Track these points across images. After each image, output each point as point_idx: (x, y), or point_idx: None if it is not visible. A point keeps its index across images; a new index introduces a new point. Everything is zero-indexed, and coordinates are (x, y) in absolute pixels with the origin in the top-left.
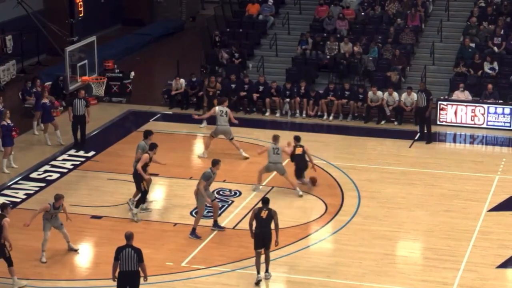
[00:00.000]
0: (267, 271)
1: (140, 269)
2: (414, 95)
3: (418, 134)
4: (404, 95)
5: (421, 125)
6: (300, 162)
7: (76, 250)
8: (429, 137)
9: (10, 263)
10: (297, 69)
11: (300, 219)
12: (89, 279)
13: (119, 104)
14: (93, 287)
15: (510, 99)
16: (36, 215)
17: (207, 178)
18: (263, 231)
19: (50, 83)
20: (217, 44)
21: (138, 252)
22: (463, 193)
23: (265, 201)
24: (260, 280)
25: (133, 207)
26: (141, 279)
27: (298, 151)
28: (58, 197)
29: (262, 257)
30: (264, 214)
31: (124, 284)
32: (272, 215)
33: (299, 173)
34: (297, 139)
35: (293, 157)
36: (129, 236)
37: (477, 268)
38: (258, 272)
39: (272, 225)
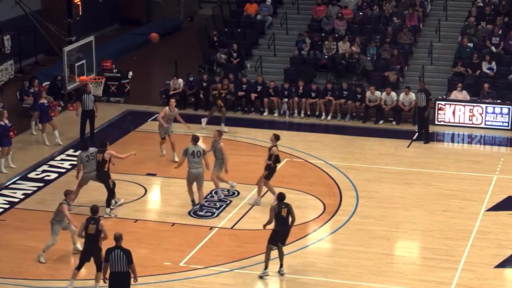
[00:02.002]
0: (281, 266)
1: (130, 270)
2: (412, 95)
3: (416, 134)
4: (402, 95)
5: (419, 125)
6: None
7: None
8: (427, 137)
9: (99, 268)
10: (295, 69)
11: (298, 219)
12: (87, 279)
13: (117, 104)
14: (91, 287)
15: (508, 98)
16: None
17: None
18: (285, 229)
19: (48, 83)
20: (215, 44)
21: (127, 253)
22: (461, 193)
23: (281, 197)
24: (267, 275)
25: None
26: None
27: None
28: (68, 193)
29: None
30: (284, 212)
31: (115, 285)
32: (290, 210)
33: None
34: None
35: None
36: (118, 238)
37: (475, 268)
38: (266, 267)
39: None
